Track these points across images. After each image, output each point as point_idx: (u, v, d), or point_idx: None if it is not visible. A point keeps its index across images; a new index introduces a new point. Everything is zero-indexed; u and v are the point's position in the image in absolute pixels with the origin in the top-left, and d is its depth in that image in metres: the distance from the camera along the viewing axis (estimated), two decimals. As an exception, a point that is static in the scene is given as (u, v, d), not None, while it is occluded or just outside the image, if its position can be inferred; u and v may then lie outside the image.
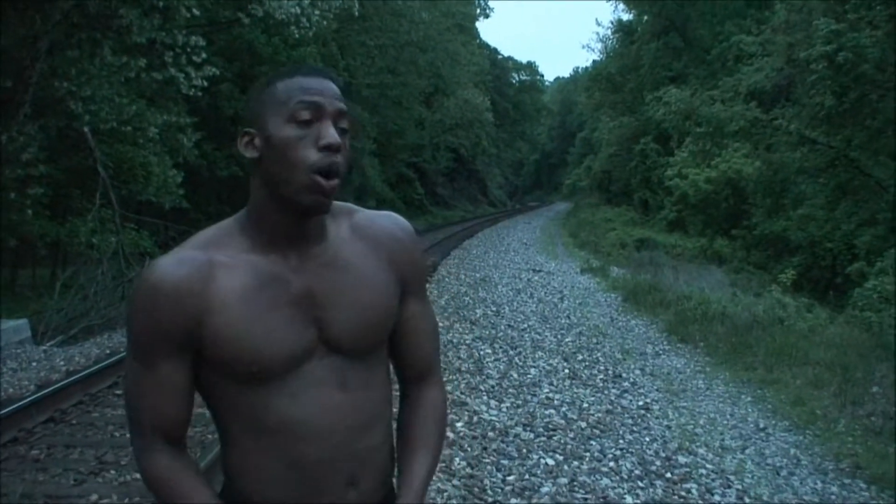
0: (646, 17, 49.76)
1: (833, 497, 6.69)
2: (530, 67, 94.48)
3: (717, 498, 6.39)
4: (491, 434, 7.52)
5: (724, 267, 24.79)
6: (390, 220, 2.00)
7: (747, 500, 6.40)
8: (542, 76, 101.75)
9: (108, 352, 10.84)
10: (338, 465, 1.83)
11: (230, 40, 22.37)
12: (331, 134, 1.73)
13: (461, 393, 8.81)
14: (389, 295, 1.92)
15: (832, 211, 23.41)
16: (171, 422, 1.80)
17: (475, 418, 7.97)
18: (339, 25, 27.60)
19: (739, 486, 6.66)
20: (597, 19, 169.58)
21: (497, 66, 79.92)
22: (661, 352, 11.68)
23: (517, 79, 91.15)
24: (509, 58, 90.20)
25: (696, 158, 32.04)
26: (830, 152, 23.94)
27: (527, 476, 6.53)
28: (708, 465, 7.12)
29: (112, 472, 6.46)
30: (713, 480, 6.75)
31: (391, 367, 2.05)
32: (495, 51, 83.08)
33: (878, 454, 7.62)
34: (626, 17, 54.83)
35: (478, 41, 68.91)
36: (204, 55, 14.76)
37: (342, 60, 29.87)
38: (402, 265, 1.96)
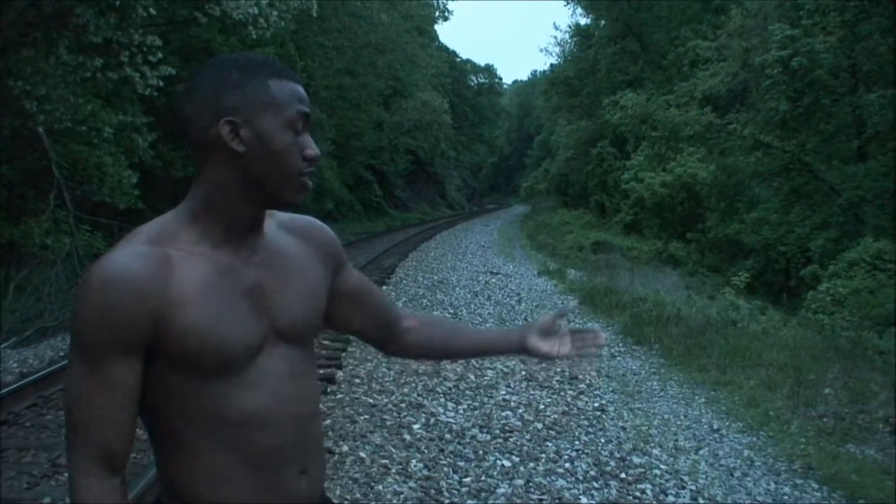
0: (603, 22, 50.14)
1: (786, 497, 6.76)
2: (488, 70, 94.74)
3: (671, 498, 6.44)
4: (448, 436, 7.52)
5: (680, 269, 25.04)
6: (309, 219, 2.09)
7: (701, 500, 6.46)
8: (501, 79, 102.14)
9: (61, 353, 10.70)
10: (291, 455, 1.85)
11: (187, 40, 22.20)
12: (314, 146, 1.82)
13: (418, 395, 8.81)
14: (323, 284, 2.01)
15: (786, 215, 23.71)
16: (117, 434, 1.73)
17: (432, 420, 7.98)
18: (298, 26, 27.49)
19: (693, 487, 6.72)
20: (555, 23, 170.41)
21: (455, 69, 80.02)
22: (616, 353, 11.76)
23: (475, 81, 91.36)
24: (468, 60, 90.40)
25: (652, 162, 32.35)
26: (784, 157, 24.28)
27: (483, 478, 6.54)
28: (662, 466, 7.17)
29: (66, 474, 6.39)
30: (667, 481, 6.81)
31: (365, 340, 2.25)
32: (454, 53, 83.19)
33: (830, 455, 7.73)
34: (583, 21, 55.24)
35: (436, 43, 68.94)
36: (160, 55, 14.63)
37: (300, 61, 29.72)
38: (329, 255, 2.05)
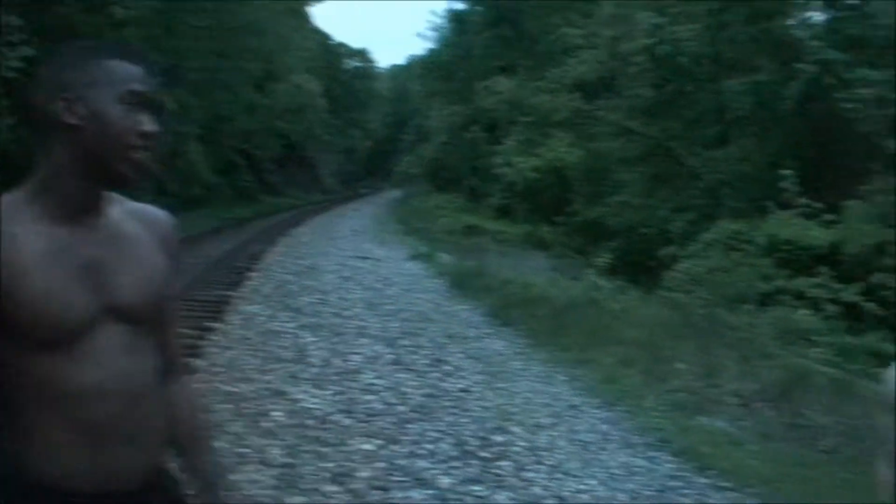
0: (478, 8, 50.37)
1: (639, 470, 6.98)
2: (363, 54, 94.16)
3: (529, 474, 6.57)
4: (310, 422, 7.48)
5: (547, 252, 25.44)
6: (158, 211, 2.14)
7: (557, 475, 6.60)
8: (376, 63, 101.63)
9: None
10: (125, 429, 1.88)
11: (49, 20, 21.36)
12: (152, 123, 1.88)
13: (281, 382, 8.74)
14: (164, 272, 2.04)
15: (648, 198, 24.31)
16: None
17: (295, 407, 7.93)
18: (165, 5, 26.77)
19: (551, 462, 6.87)
20: (431, 8, 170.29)
21: (329, 52, 79.27)
22: (483, 335, 11.91)
23: (350, 65, 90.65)
24: (342, 44, 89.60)
25: (523, 147, 32.71)
26: (648, 142, 24.86)
27: (344, 462, 6.54)
28: (522, 443, 7.30)
29: None
30: (526, 457, 6.94)
31: None
32: (327, 36, 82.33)
33: (683, 427, 8.02)
34: (459, 6, 55.33)
35: (310, 26, 68.10)
36: (20, 35, 14.06)
37: (168, 42, 28.95)
38: (170, 250, 2.10)
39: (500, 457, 6.91)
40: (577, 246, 25.96)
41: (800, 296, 12.08)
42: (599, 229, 25.61)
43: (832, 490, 6.54)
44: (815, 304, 11.34)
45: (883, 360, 10.14)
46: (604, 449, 7.39)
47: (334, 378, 9.09)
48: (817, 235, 14.29)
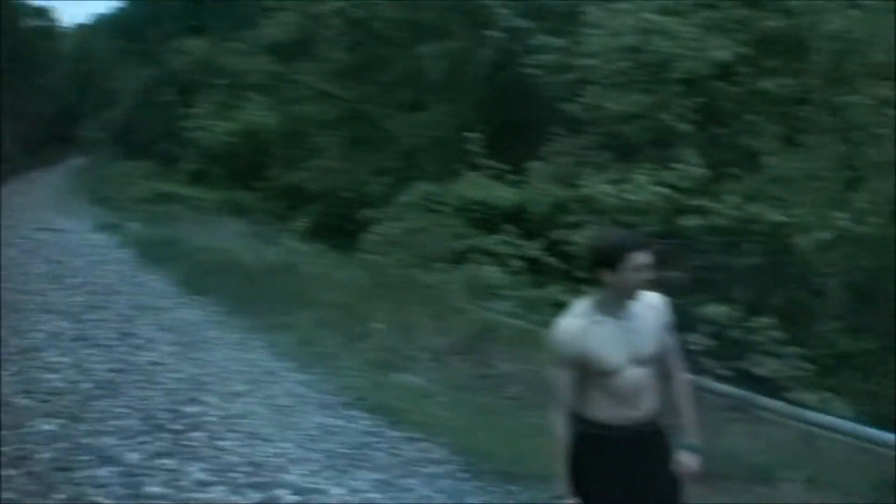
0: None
1: (336, 429, 7.02)
2: (44, 13, 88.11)
3: (225, 443, 6.44)
4: (-17, 406, 6.91)
5: (246, 218, 25.01)
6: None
7: (254, 441, 6.51)
8: (59, 22, 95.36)
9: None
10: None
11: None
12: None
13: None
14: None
15: (347, 162, 24.39)
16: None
17: (-35, 391, 7.30)
18: None
19: (246, 429, 6.76)
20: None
21: (4, 10, 73.48)
22: (176, 305, 11.55)
23: (28, 25, 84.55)
24: (18, 2, 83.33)
25: (218, 111, 31.87)
26: (346, 106, 24.92)
27: (24, 445, 6.11)
28: (216, 412, 7.15)
29: None
30: (220, 426, 6.80)
31: None
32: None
33: (377, 384, 8.15)
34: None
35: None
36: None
37: None
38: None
39: (193, 428, 6.71)
40: (277, 211, 25.70)
41: (489, 253, 12.59)
42: (298, 194, 25.43)
43: (518, 434, 6.85)
44: (502, 261, 11.86)
45: (562, 309, 10.81)
46: (300, 411, 7.38)
47: (13, 358, 8.47)
48: (504, 196, 14.92)
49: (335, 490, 5.73)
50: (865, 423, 7.42)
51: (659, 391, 3.57)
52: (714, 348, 8.37)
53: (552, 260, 11.19)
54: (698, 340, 8.36)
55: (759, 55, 10.96)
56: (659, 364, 3.57)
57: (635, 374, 3.43)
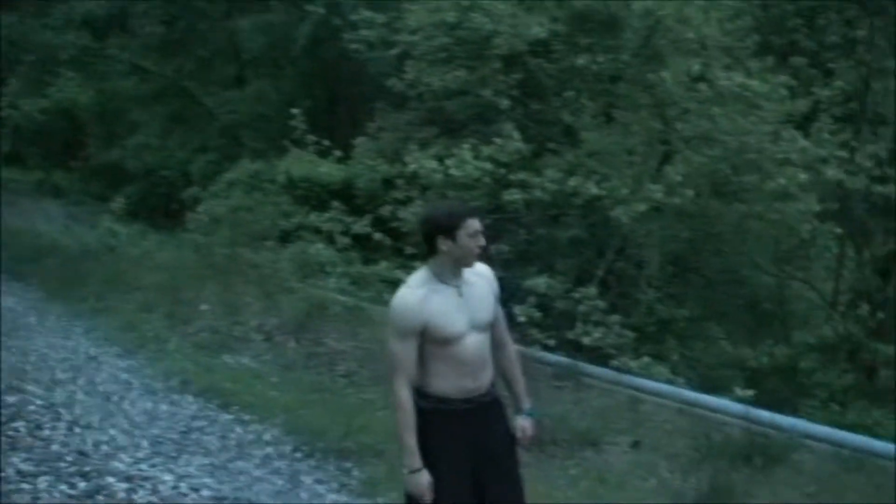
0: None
1: (163, 414, 6.90)
2: None
3: (46, 432, 6.23)
4: None
5: (64, 199, 24.01)
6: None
7: (77, 429, 6.32)
8: None
9: None
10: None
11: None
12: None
13: None
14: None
15: (167, 139, 23.75)
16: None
17: None
18: None
19: (69, 417, 6.57)
20: None
21: None
22: (-10, 293, 10.99)
23: None
24: None
25: (28, 88, 30.33)
26: (163, 81, 24.24)
27: None
28: (37, 401, 6.88)
29: None
30: (42, 415, 6.56)
31: None
32: None
33: (205, 367, 8.05)
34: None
35: None
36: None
37: None
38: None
39: (14, 418, 6.44)
40: (96, 191, 24.74)
41: (317, 230, 12.53)
42: (118, 173, 24.57)
43: (350, 411, 6.92)
44: (330, 238, 11.83)
45: (392, 285, 10.90)
46: (126, 398, 7.22)
47: None
48: (331, 172, 14.86)
49: (165, 476, 5.64)
50: (685, 388, 7.85)
51: (491, 360, 3.70)
52: (540, 319, 8.64)
53: (380, 236, 11.25)
54: (525, 312, 8.61)
55: (574, 33, 11.29)
56: (491, 333, 3.70)
57: (476, 341, 3.56)
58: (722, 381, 11.55)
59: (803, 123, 12.48)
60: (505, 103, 10.75)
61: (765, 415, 6.31)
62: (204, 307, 9.84)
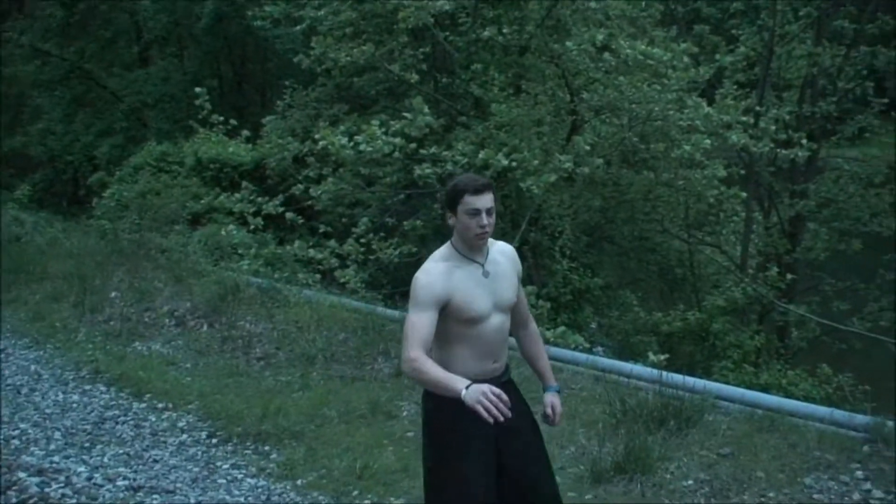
0: None
1: (75, 405, 6.77)
2: None
3: (-43, 434, 6.04)
4: None
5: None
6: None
7: (-15, 427, 6.15)
8: None
9: None
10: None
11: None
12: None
13: None
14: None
15: (70, 124, 23.20)
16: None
17: None
18: None
19: (-22, 413, 6.38)
20: None
21: None
22: None
23: None
24: None
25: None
26: (64, 65, 23.65)
27: None
28: (-56, 398, 6.68)
29: None
30: (-51, 412, 6.37)
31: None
32: None
33: (117, 356, 7.89)
34: None
35: None
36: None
37: None
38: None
39: (-83, 416, 6.26)
40: (1, 180, 24.11)
41: (228, 212, 12.35)
42: (22, 160, 23.95)
43: (266, 394, 6.85)
44: (242, 219, 11.66)
45: (307, 265, 10.82)
46: (35, 390, 7.06)
47: None
48: (240, 152, 14.65)
49: (79, 468, 5.56)
50: (601, 355, 7.94)
51: (511, 340, 3.64)
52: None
53: (293, 215, 11.13)
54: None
55: (480, 4, 11.27)
56: (513, 314, 3.62)
57: (498, 322, 3.48)
58: (638, 346, 11.79)
59: (708, 90, 12.72)
60: (414, 77, 10.71)
61: (677, 378, 6.40)
62: (113, 294, 9.64)
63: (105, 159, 20.26)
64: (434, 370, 3.19)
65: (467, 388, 3.03)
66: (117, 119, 22.71)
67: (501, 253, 3.58)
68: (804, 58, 14.33)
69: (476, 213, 3.33)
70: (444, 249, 3.50)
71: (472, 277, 3.43)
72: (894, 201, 14.32)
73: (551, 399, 3.68)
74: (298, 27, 12.67)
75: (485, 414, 2.95)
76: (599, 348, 8.95)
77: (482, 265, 3.47)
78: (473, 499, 3.40)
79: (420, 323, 3.29)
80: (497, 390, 3.02)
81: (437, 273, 3.38)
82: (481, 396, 2.98)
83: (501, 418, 2.97)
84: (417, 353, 3.21)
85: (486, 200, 3.34)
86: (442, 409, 3.38)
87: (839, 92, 14.70)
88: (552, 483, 3.66)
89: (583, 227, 13.33)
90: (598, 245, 14.19)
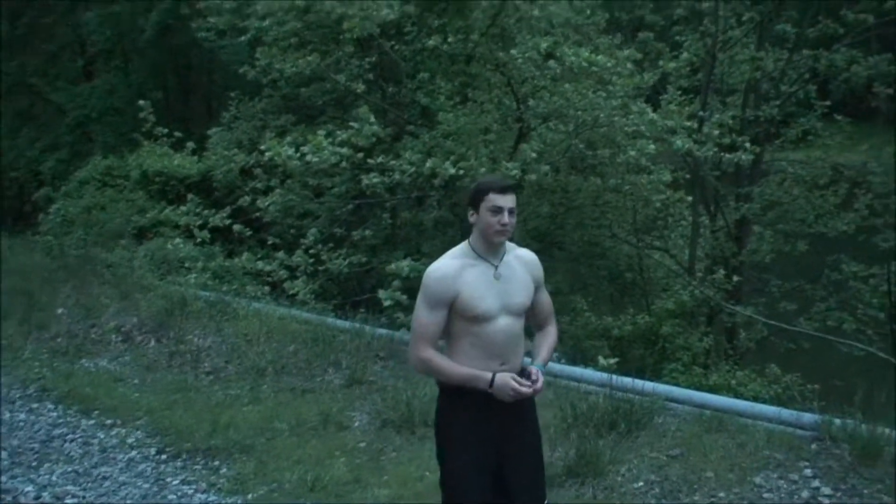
0: None
1: (22, 424, 6.68)
2: None
3: None
4: None
5: None
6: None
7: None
8: None
9: None
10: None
11: None
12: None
13: None
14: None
15: (15, 139, 22.91)
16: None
17: None
18: None
19: (-80, 435, 6.25)
20: None
21: None
22: None
23: None
24: None
25: None
26: (8, 79, 23.37)
27: None
28: None
29: None
30: None
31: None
32: None
33: (64, 373, 7.77)
34: None
35: None
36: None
37: None
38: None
39: None
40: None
41: (174, 225, 12.24)
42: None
43: (216, 408, 6.78)
44: (189, 232, 11.55)
45: (255, 277, 10.75)
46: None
47: None
48: (186, 165, 14.54)
49: (27, 488, 5.49)
50: (553, 361, 7.96)
51: (522, 346, 3.65)
52: (407, 302, 8.63)
53: (241, 227, 11.05)
54: (390, 296, 8.61)
55: (425, 14, 11.29)
56: (532, 318, 3.71)
57: (507, 324, 3.51)
58: (589, 351, 11.85)
59: (653, 96, 12.86)
60: (361, 87, 10.70)
61: (627, 381, 6.45)
62: (60, 311, 9.50)
63: (50, 174, 20.07)
64: (443, 363, 3.45)
65: (491, 383, 3.37)
66: (62, 133, 22.49)
67: (519, 259, 3.65)
68: (747, 62, 14.49)
69: (499, 210, 3.44)
70: (461, 247, 3.59)
71: (483, 277, 3.49)
72: (839, 202, 14.54)
73: (534, 370, 3.54)
74: (243, 38, 12.59)
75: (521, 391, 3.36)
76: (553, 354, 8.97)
77: (496, 266, 3.53)
78: (466, 496, 3.46)
79: (428, 320, 3.47)
80: (518, 379, 3.37)
81: (447, 271, 3.48)
82: (506, 387, 3.35)
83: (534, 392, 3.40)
84: (430, 354, 3.46)
85: (509, 200, 3.47)
86: (448, 408, 3.53)
87: (782, 95, 14.89)
88: (543, 487, 3.71)
89: (532, 233, 13.37)
90: (549, 251, 14.23)
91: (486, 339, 3.48)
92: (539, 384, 3.47)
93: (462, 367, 3.42)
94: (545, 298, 3.80)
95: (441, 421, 3.62)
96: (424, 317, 3.47)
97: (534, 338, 3.83)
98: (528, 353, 3.72)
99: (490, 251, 3.53)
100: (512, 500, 3.56)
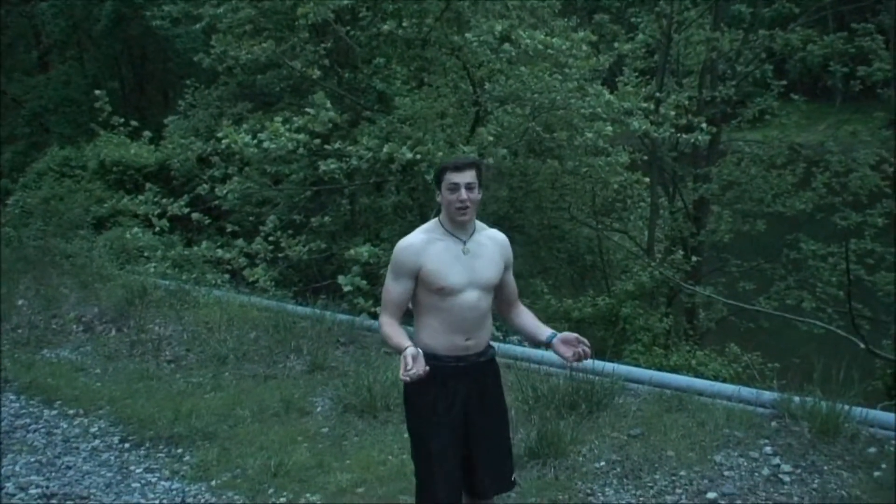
0: None
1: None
2: None
3: None
4: None
5: None
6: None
7: None
8: None
9: None
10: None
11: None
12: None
13: None
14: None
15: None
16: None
17: None
18: None
19: None
20: None
21: None
22: None
23: None
24: None
25: None
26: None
27: None
28: None
29: None
30: None
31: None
32: None
33: (25, 364, 7.73)
34: None
35: None
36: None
37: None
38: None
39: None
40: None
41: (133, 215, 12.16)
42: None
43: (178, 396, 6.80)
44: (147, 222, 11.48)
45: (215, 265, 10.71)
46: None
47: None
48: (143, 154, 14.45)
49: (-11, 479, 5.46)
50: (513, 343, 8.02)
51: (490, 322, 3.77)
52: (367, 287, 8.66)
53: (200, 216, 11.00)
54: (350, 281, 8.62)
55: (379, -1, 11.27)
56: (499, 296, 3.81)
57: (473, 297, 3.61)
58: (550, 334, 11.92)
59: (609, 78, 12.94)
60: (317, 73, 10.67)
61: (587, 363, 6.50)
62: (20, 302, 9.44)
63: (8, 166, 19.87)
64: (389, 331, 3.56)
65: (400, 353, 3.35)
66: (19, 125, 22.27)
67: (490, 238, 3.76)
68: (703, 43, 14.63)
69: (455, 187, 3.54)
70: (431, 223, 3.72)
71: (451, 251, 3.60)
72: (796, 182, 14.73)
73: (566, 336, 3.62)
74: (198, 25, 12.49)
75: (402, 370, 3.26)
76: (513, 337, 9.04)
77: (464, 242, 3.63)
78: (438, 476, 3.59)
79: (391, 289, 3.63)
80: (414, 353, 3.30)
81: (414, 243, 3.61)
82: (401, 363, 3.32)
83: (408, 379, 3.23)
84: (384, 320, 3.62)
85: (465, 176, 3.55)
86: (416, 388, 3.48)
87: (738, 76, 15.07)
88: (509, 464, 3.83)
89: (492, 217, 13.38)
90: (508, 235, 14.31)
91: (453, 314, 3.59)
92: (584, 344, 3.55)
93: (399, 336, 3.47)
94: (512, 280, 3.90)
95: (410, 403, 3.72)
96: (389, 285, 3.63)
97: (510, 321, 3.95)
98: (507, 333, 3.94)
99: (457, 228, 3.63)
100: (480, 477, 3.68)
